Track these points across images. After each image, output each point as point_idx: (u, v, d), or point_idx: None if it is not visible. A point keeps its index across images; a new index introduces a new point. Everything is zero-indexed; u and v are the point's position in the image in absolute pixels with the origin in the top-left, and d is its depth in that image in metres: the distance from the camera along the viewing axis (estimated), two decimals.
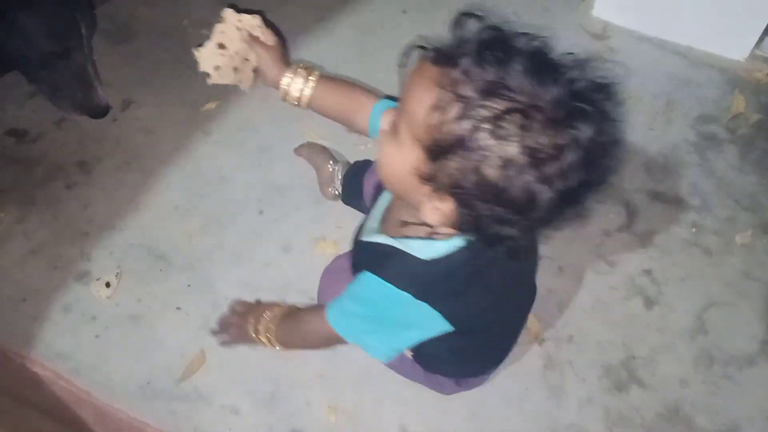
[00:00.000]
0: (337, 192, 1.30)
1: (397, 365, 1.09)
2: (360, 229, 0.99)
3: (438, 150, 0.69)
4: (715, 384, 1.17)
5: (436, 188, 0.72)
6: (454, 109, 0.67)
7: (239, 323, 1.12)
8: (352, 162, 1.32)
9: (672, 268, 1.30)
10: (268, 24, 1.04)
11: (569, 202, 0.71)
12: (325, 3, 1.72)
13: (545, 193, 0.68)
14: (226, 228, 1.30)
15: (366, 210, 1.10)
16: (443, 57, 0.70)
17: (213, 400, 1.11)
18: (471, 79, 0.67)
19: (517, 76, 0.66)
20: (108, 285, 1.19)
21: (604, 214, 1.36)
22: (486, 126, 0.66)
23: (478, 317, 0.90)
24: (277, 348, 1.06)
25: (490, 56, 0.67)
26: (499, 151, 0.66)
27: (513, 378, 1.15)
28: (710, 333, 1.22)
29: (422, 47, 0.73)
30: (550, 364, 1.17)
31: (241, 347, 1.13)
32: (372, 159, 1.24)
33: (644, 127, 1.51)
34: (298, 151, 1.39)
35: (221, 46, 1.00)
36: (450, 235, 0.79)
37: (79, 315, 1.17)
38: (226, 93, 1.51)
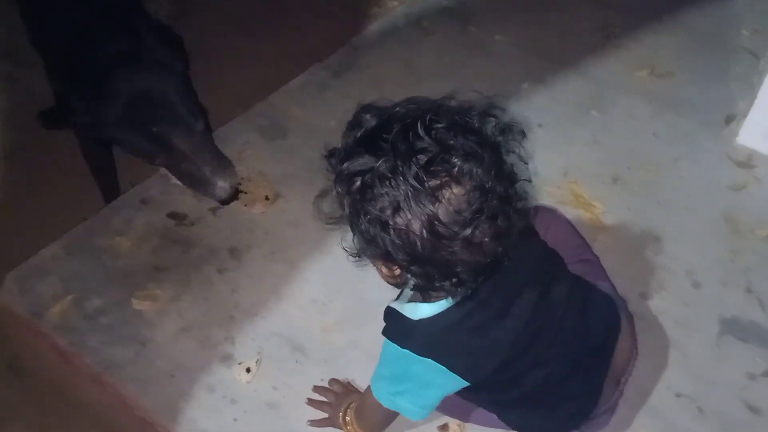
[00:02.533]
0: None
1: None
2: None
3: (348, 225, 0.84)
4: None
5: (368, 255, 0.85)
6: (337, 191, 0.84)
7: (334, 404, 1.18)
8: None
9: None
10: None
11: (450, 241, 0.78)
12: None
13: (414, 237, 0.78)
14: (361, 327, 1.35)
15: None
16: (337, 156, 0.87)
17: None
18: (341, 165, 0.83)
19: (363, 154, 0.81)
20: (249, 370, 1.26)
21: (748, 355, 1.29)
22: (350, 198, 0.81)
23: (500, 370, 0.94)
24: None
25: (357, 141, 0.83)
26: (365, 213, 0.79)
27: None
28: None
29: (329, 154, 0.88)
30: None
31: None
32: None
33: None
34: None
35: None
36: (436, 299, 0.89)
37: (220, 396, 1.24)
38: None
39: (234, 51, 2.15)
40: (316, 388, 1.23)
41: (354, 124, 0.85)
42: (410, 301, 0.95)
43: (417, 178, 0.76)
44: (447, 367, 0.91)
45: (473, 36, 2.06)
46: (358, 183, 0.80)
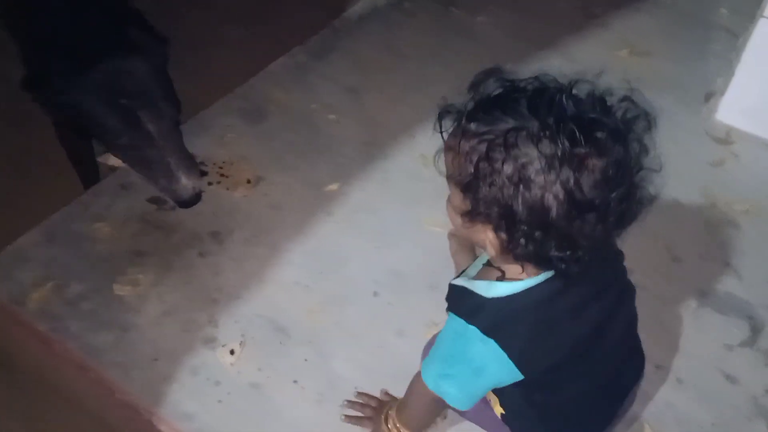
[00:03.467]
0: None
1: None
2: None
3: (464, 186, 0.82)
4: None
5: (479, 220, 0.83)
6: (464, 149, 0.80)
7: (374, 417, 1.16)
8: None
9: None
10: None
11: (584, 212, 0.78)
12: (446, 94, 1.79)
13: (551, 201, 0.77)
14: (343, 307, 1.35)
15: None
16: (454, 115, 0.83)
17: None
18: (470, 124, 0.80)
19: (503, 111, 0.79)
20: (232, 352, 1.26)
21: (725, 327, 1.31)
22: (484, 155, 0.78)
23: (552, 369, 0.92)
24: None
25: (486, 102, 0.81)
26: (499, 171, 0.78)
27: None
28: None
29: (446, 111, 0.85)
30: None
31: None
32: None
33: None
34: (449, 238, 1.42)
35: None
36: (513, 280, 0.88)
37: (204, 378, 1.24)
38: (347, 175, 1.60)
39: (214, 34, 2.13)
40: (351, 404, 1.20)
41: (477, 85, 0.84)
42: (478, 278, 0.93)
43: (570, 139, 0.75)
44: (507, 353, 0.87)
45: (455, 17, 2.06)
46: (499, 140, 0.78)
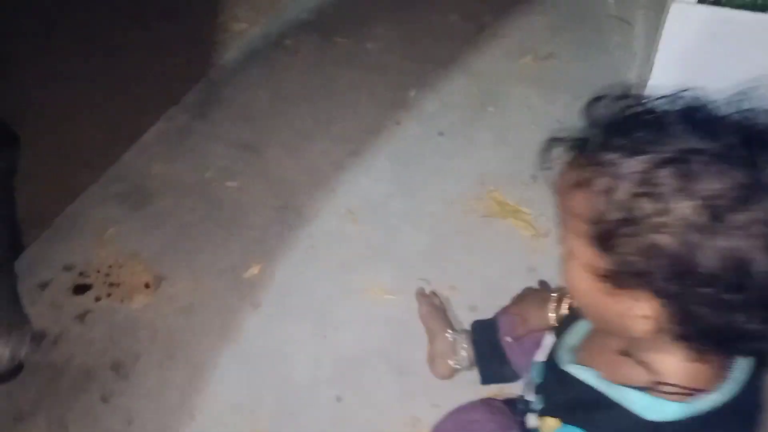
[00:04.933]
0: (458, 366, 1.11)
1: None
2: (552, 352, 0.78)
3: (604, 235, 0.58)
4: None
5: (624, 285, 0.59)
6: (603, 186, 0.57)
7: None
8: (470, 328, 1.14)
9: None
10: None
11: None
12: (355, 134, 1.61)
13: (754, 247, 0.54)
14: (300, 420, 1.10)
15: (514, 377, 1.04)
16: (577, 146, 0.62)
17: None
18: (607, 152, 0.58)
19: (655, 132, 0.57)
20: None
21: None
22: (641, 189, 0.55)
23: None
24: None
25: (620, 123, 0.60)
26: (666, 212, 0.55)
27: None
28: None
29: (556, 140, 0.63)
30: None
31: None
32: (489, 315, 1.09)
33: None
34: (418, 299, 1.25)
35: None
36: (685, 396, 0.61)
37: None
38: (267, 253, 1.36)
39: (70, 109, 1.79)
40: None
41: (592, 107, 0.63)
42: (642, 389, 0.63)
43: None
44: None
45: (342, 48, 1.87)
46: (667, 168, 0.55)
